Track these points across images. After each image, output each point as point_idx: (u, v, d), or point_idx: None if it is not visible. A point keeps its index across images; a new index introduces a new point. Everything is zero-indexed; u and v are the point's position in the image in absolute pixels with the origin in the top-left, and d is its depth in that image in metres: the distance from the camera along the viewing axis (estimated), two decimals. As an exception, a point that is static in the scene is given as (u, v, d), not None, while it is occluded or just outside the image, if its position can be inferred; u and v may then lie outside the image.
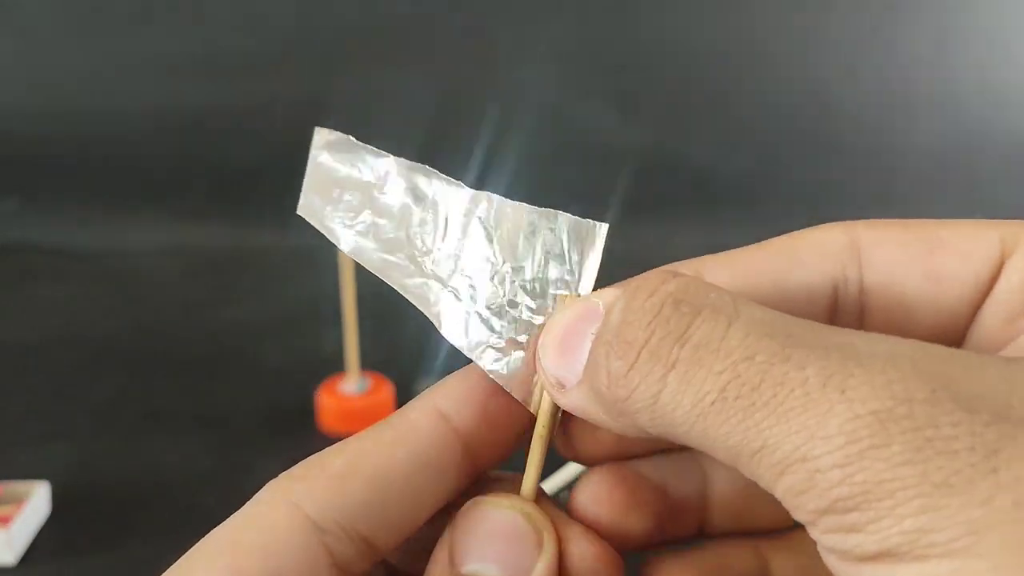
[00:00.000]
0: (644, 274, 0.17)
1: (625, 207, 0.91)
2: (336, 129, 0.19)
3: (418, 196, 0.20)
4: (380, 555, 0.18)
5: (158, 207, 0.92)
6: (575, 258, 0.20)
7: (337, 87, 0.96)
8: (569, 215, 0.20)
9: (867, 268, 0.19)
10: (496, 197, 0.20)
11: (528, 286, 0.19)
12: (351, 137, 0.19)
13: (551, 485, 0.43)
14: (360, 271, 0.50)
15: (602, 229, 0.20)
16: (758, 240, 0.22)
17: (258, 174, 0.95)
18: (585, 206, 0.25)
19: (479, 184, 0.20)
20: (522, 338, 0.19)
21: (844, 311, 0.19)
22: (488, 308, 0.19)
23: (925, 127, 1.00)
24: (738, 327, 0.15)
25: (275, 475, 0.19)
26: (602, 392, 0.16)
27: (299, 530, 0.17)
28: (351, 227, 0.19)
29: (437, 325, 0.19)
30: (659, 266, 0.19)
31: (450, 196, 0.20)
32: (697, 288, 0.16)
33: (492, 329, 0.19)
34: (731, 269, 0.20)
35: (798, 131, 0.99)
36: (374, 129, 0.90)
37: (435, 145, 0.99)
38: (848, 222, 0.20)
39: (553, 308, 0.19)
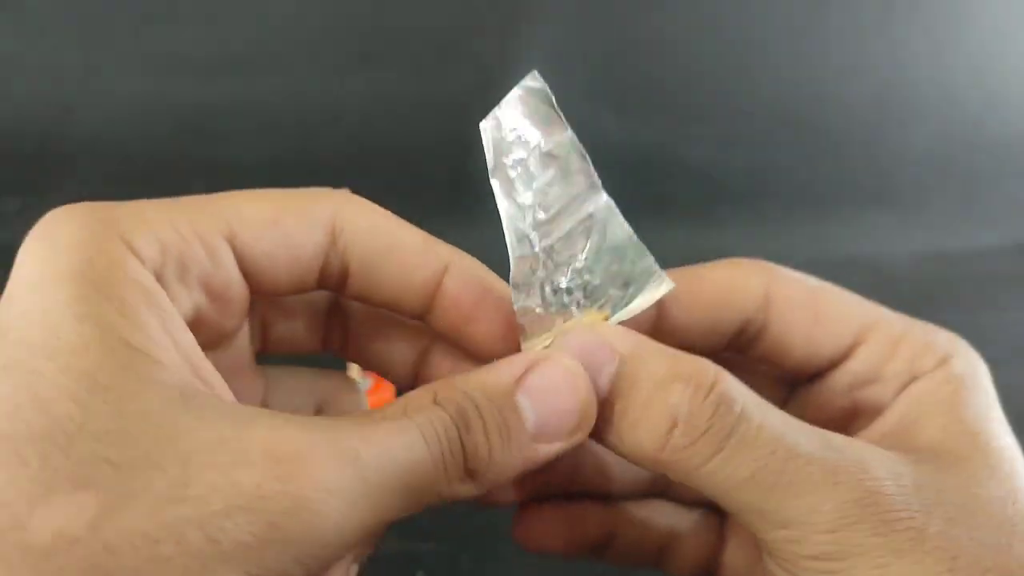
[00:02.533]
0: (690, 362, 0.22)
1: (622, 207, 0.91)
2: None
3: (566, 171, 0.23)
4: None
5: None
6: (631, 292, 0.24)
7: (339, 87, 0.97)
8: (654, 261, 0.24)
9: (771, 319, 0.25)
10: (616, 209, 0.24)
11: (589, 288, 0.24)
12: (551, 95, 0.23)
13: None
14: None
15: (666, 288, 0.24)
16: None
17: (260, 173, 0.95)
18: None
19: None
20: (557, 319, 0.23)
21: (740, 339, 0.26)
22: (553, 284, 0.23)
23: (923, 127, 1.01)
24: (765, 429, 0.21)
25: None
26: (650, 445, 0.22)
27: None
28: (505, 156, 0.23)
29: (511, 263, 0.23)
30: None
31: (585, 186, 0.23)
32: (738, 390, 0.22)
33: (546, 301, 0.23)
34: (680, 289, 0.24)
35: (796, 130, 0.99)
36: (373, 128, 0.90)
37: (435, 144, 0.99)
38: (764, 267, 0.26)
39: (582, 312, 0.24)
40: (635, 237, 0.24)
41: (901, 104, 1.01)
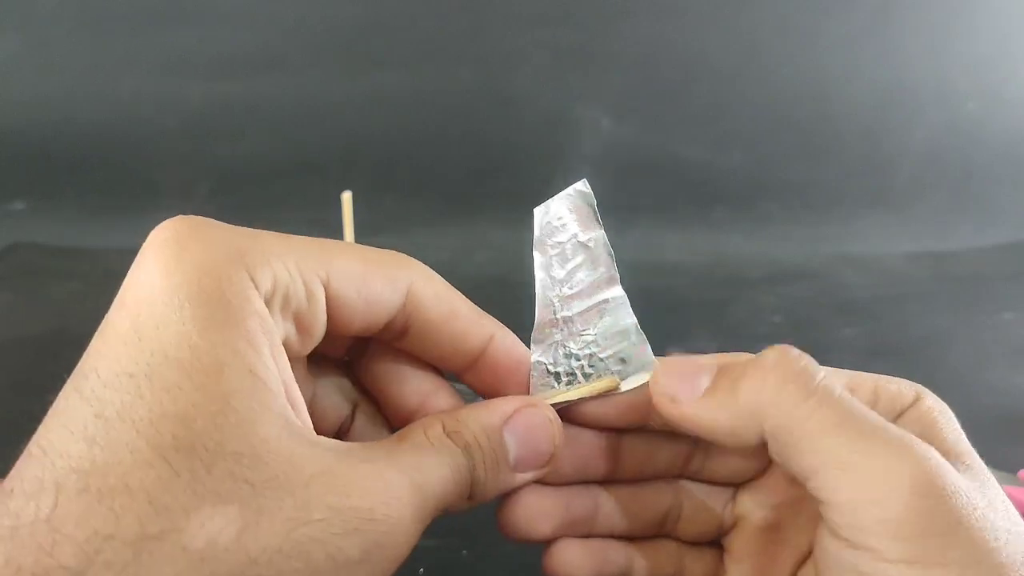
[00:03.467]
0: (788, 352, 0.25)
1: (621, 208, 0.91)
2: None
3: (593, 261, 0.28)
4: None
5: (164, 208, 0.93)
6: (628, 368, 0.29)
7: (339, 88, 0.97)
8: (649, 348, 0.29)
9: None
10: (627, 301, 0.28)
11: (593, 359, 0.29)
12: (594, 200, 0.28)
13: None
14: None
15: (655, 369, 0.28)
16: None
17: (262, 175, 0.96)
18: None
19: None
20: (564, 378, 0.29)
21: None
22: (566, 348, 0.28)
23: (920, 126, 1.01)
24: (846, 396, 0.24)
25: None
26: (754, 398, 0.24)
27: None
28: (548, 236, 0.28)
29: (535, 322, 0.28)
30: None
31: (606, 276, 0.28)
32: (821, 369, 0.25)
33: (557, 360, 0.28)
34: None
35: (794, 131, 1.00)
36: (372, 131, 0.90)
37: (434, 146, 0.99)
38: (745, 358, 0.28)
39: (592, 378, 0.29)
40: (638, 326, 0.29)
41: (898, 106, 1.01)
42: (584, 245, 0.28)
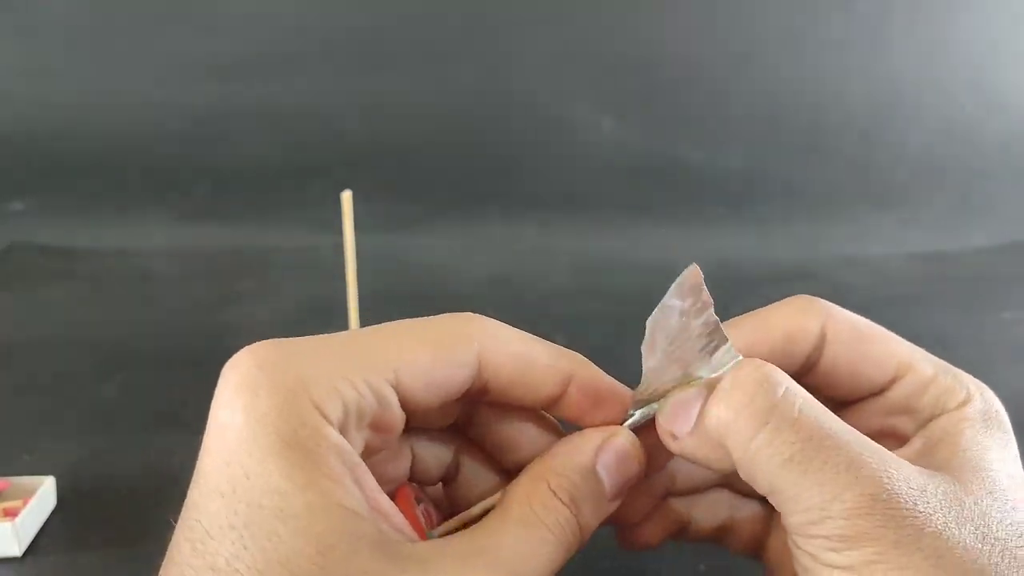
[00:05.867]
0: (747, 365, 0.26)
1: (621, 208, 0.91)
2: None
3: (701, 338, 0.27)
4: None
5: (163, 208, 0.93)
6: (714, 365, 0.28)
7: (339, 89, 0.97)
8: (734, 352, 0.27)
9: (824, 354, 0.30)
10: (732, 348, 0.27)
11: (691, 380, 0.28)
12: (702, 279, 0.26)
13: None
14: (362, 272, 0.51)
15: (737, 361, 0.27)
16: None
17: (261, 175, 0.96)
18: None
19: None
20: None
21: (803, 366, 0.30)
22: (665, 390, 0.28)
23: (919, 127, 1.01)
24: (805, 413, 0.25)
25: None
26: (710, 431, 0.26)
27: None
28: (655, 334, 0.27)
29: (638, 389, 0.28)
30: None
31: (715, 344, 0.27)
32: (783, 376, 0.25)
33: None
34: (749, 335, 0.30)
35: (792, 132, 1.00)
36: (372, 132, 0.90)
37: (434, 147, 0.99)
38: (820, 306, 0.30)
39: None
40: (732, 346, 0.28)
41: (897, 107, 1.01)
42: (687, 326, 0.27)
